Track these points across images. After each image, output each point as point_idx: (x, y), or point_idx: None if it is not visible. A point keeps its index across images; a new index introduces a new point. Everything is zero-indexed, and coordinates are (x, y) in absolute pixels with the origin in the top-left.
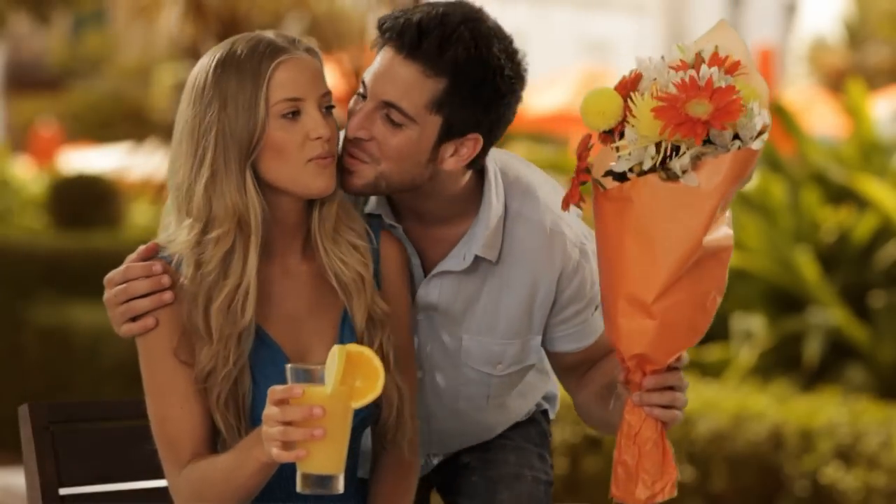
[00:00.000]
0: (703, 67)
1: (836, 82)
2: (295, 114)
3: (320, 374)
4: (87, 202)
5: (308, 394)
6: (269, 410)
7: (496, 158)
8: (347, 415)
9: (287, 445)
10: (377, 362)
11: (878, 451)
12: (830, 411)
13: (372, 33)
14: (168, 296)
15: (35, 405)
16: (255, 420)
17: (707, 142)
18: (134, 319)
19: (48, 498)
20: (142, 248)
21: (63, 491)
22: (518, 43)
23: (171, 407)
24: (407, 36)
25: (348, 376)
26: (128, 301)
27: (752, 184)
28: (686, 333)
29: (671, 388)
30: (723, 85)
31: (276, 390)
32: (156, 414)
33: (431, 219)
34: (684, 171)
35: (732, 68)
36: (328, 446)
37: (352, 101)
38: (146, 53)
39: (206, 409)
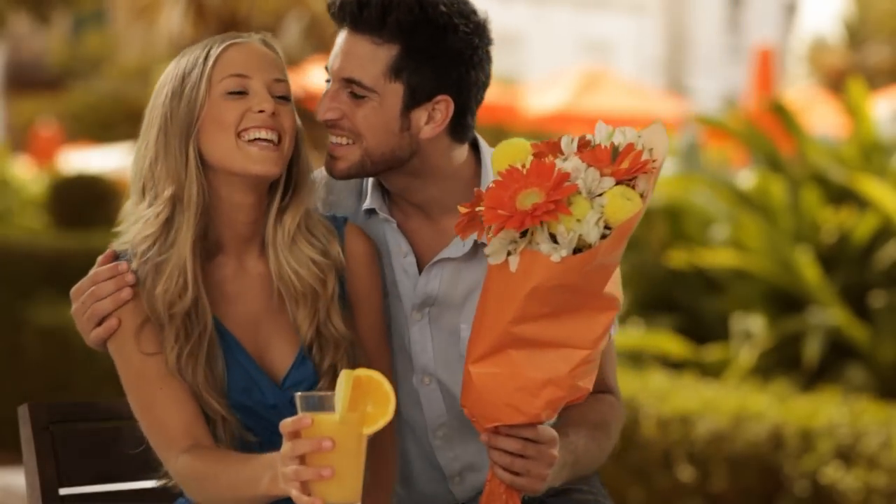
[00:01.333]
0: (576, 159)
1: (836, 82)
2: (241, 92)
3: (330, 402)
4: (87, 202)
5: (317, 422)
6: (284, 448)
7: None
8: (360, 441)
9: (305, 486)
10: (387, 386)
11: (878, 451)
12: (830, 411)
13: None
14: (126, 293)
15: (35, 405)
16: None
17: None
18: (100, 323)
19: (48, 498)
20: (101, 257)
21: (63, 491)
22: (477, 7)
23: (151, 391)
24: (348, 9)
25: (358, 402)
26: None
27: (752, 184)
28: (505, 409)
29: (514, 453)
30: (575, 183)
31: (286, 423)
32: (139, 404)
33: (437, 209)
34: (488, 255)
35: (637, 166)
36: (342, 475)
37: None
38: (146, 53)
39: (187, 387)
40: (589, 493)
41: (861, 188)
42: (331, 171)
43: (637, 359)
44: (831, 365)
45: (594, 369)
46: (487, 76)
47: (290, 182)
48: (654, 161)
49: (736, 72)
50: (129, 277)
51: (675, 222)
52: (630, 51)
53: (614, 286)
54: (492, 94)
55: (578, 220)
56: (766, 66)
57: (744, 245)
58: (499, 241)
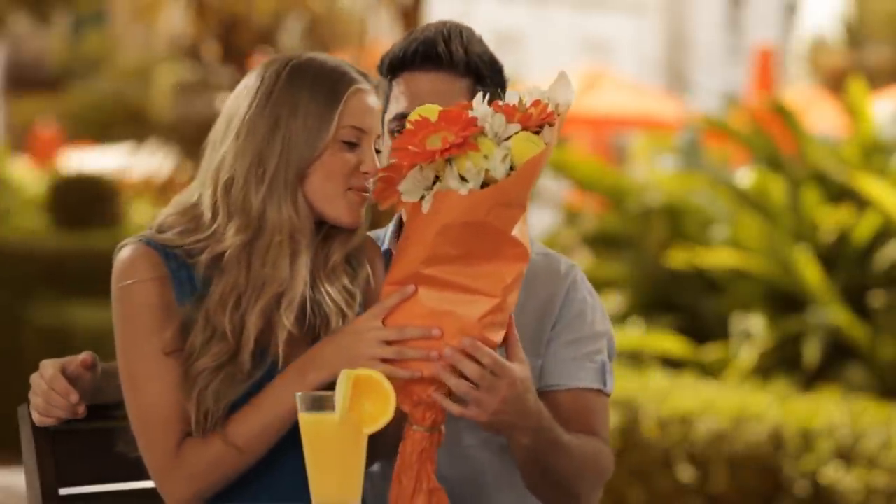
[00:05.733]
0: (485, 107)
1: (836, 82)
2: (354, 145)
3: (330, 402)
4: (87, 202)
5: (317, 422)
6: (370, 314)
7: None
8: (360, 441)
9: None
10: (387, 385)
11: (878, 451)
12: (830, 411)
13: (373, 33)
14: (82, 409)
15: None
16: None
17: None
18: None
19: (48, 498)
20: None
21: (63, 491)
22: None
23: (158, 387)
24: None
25: (357, 401)
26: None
27: (752, 183)
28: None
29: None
30: (482, 128)
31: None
32: (140, 399)
33: None
34: (402, 192)
35: (543, 116)
36: (342, 474)
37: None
38: (146, 53)
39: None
40: None
41: (861, 188)
42: None
43: (637, 359)
44: (831, 365)
45: (502, 324)
46: None
47: None
48: (558, 113)
49: (736, 72)
50: (81, 410)
51: (675, 222)
52: (630, 51)
53: (524, 237)
54: None
55: (486, 157)
56: (766, 66)
57: (744, 245)
58: (412, 179)
